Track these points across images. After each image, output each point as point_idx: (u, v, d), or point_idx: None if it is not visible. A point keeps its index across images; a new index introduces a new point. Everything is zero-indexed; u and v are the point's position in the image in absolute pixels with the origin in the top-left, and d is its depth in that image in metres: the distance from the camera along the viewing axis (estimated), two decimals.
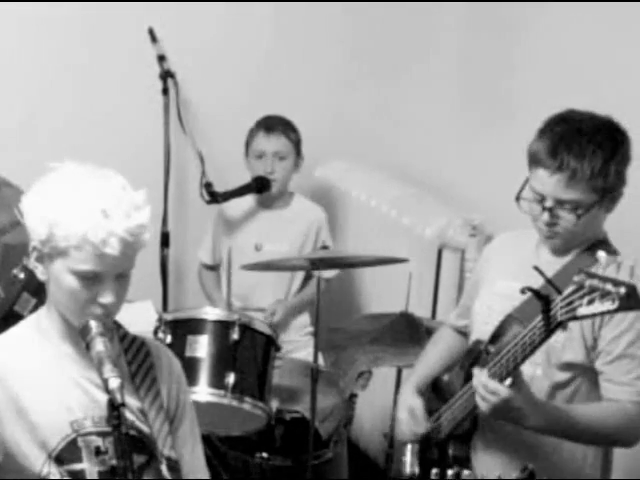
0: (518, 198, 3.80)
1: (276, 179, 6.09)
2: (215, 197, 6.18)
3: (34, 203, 3.19)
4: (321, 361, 5.36)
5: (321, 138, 6.59)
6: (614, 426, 3.77)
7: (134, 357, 3.42)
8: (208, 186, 6.22)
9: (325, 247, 5.95)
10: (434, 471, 3.14)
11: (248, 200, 6.21)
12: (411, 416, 4.23)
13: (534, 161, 3.72)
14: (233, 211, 6.29)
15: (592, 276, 3.18)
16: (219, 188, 6.19)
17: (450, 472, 3.11)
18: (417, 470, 4.21)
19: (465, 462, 4.01)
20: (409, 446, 4.28)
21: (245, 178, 6.13)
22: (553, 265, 3.74)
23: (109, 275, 3.11)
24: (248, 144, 6.19)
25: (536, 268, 3.47)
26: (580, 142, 3.61)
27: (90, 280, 3.09)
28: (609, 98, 5.16)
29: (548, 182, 3.65)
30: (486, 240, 5.27)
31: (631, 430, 3.79)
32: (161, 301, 6.40)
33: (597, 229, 3.86)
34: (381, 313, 5.75)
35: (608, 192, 3.67)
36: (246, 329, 5.19)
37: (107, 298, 3.12)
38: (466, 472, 3.11)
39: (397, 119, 7.00)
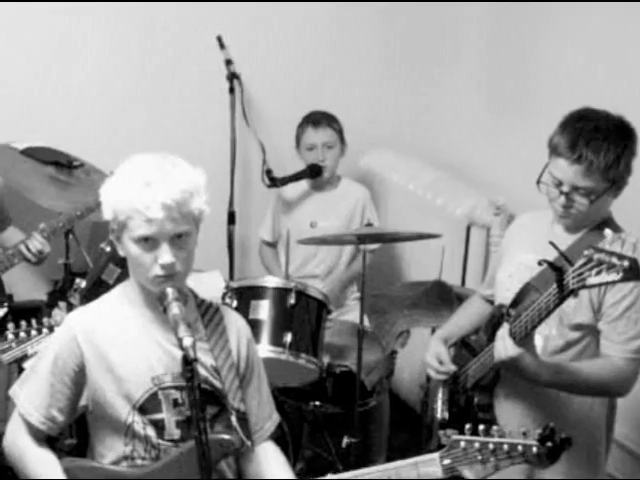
0: (539, 182, 3.86)
1: (327, 165, 6.12)
2: (275, 182, 6.22)
3: (104, 190, 3.28)
4: (366, 322, 5.37)
5: (365, 130, 6.63)
6: (607, 379, 3.85)
7: (209, 321, 3.47)
8: (268, 172, 6.27)
9: (370, 224, 6.01)
10: (467, 426, 3.17)
11: (303, 184, 6.24)
12: (437, 360, 4.29)
13: (555, 151, 3.78)
14: (290, 194, 6.31)
15: (600, 251, 3.23)
16: (278, 174, 6.23)
17: (481, 427, 3.13)
18: (447, 416, 4.30)
19: (488, 408, 4.10)
20: (440, 395, 4.35)
21: (300, 165, 6.17)
22: (566, 240, 3.80)
23: (162, 238, 3.16)
24: (298, 138, 6.22)
25: (551, 243, 3.55)
26: (597, 139, 3.67)
27: (147, 244, 3.16)
28: (619, 96, 5.22)
29: (567, 171, 3.72)
30: (509, 218, 5.29)
31: (622, 382, 3.87)
32: (228, 271, 6.43)
33: (604, 211, 3.90)
34: (418, 281, 5.79)
35: (617, 181, 3.74)
36: (301, 295, 5.25)
37: (164, 258, 3.15)
38: (495, 427, 3.13)
39: (432, 113, 7.01)
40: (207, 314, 3.50)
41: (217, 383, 3.42)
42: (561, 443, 3.05)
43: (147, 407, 3.36)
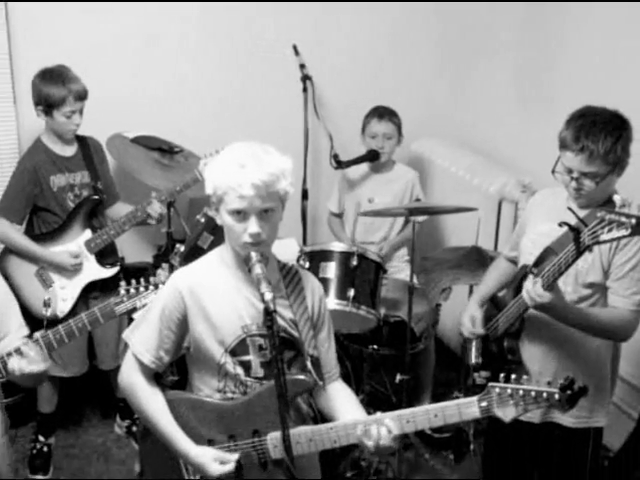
0: (553, 171, 3.90)
1: (385, 152, 6.10)
2: (340, 164, 6.19)
3: (208, 168, 3.30)
4: (415, 280, 5.31)
5: (415, 121, 6.60)
6: (613, 325, 3.92)
7: (289, 282, 3.47)
8: (335, 156, 6.22)
9: (418, 199, 6.07)
10: (501, 375, 3.18)
11: (363, 166, 6.21)
12: (472, 322, 4.35)
13: (563, 145, 3.83)
14: (353, 174, 6.30)
15: (611, 212, 3.31)
16: (343, 158, 6.19)
17: (513, 376, 3.15)
18: (480, 361, 4.34)
19: (515, 352, 4.15)
20: (474, 342, 4.39)
21: (361, 151, 6.15)
22: (579, 213, 3.73)
23: (252, 211, 3.16)
24: (364, 127, 6.18)
25: (569, 208, 3.69)
26: (595, 131, 3.73)
27: (240, 216, 3.17)
28: (632, 93, 5.23)
29: (574, 160, 3.77)
30: (533, 194, 5.27)
31: (625, 329, 3.94)
32: (302, 238, 6.46)
33: (611, 189, 3.90)
34: (458, 247, 5.77)
35: (617, 163, 3.78)
36: (362, 257, 5.29)
37: (252, 228, 3.16)
38: (525, 377, 3.15)
39: (470, 106, 6.97)
40: (288, 276, 3.50)
41: (295, 333, 3.43)
42: (579, 391, 3.06)
43: (237, 350, 3.38)
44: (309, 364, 3.40)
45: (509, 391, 3.11)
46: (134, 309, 3.69)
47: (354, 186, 6.33)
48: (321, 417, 3.55)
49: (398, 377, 5.41)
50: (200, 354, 3.43)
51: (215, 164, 3.27)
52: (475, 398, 3.16)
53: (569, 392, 3.05)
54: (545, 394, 3.07)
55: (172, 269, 4.96)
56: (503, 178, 6.11)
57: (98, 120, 5.49)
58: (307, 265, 5.25)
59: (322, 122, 6.55)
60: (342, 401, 3.52)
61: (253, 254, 3.19)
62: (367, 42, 6.77)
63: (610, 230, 3.35)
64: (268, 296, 3.05)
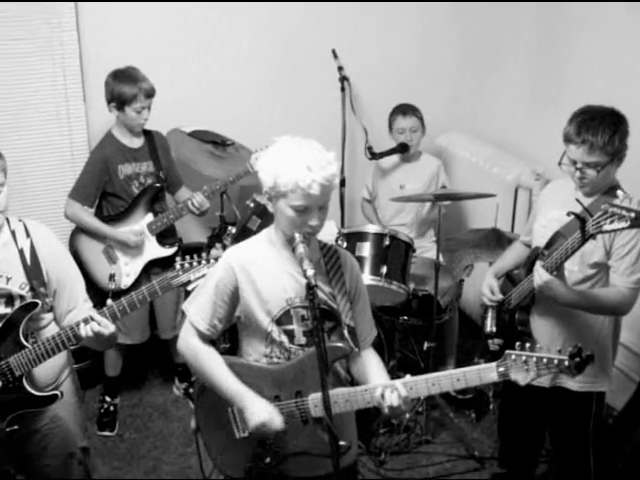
0: (560, 163, 3.97)
1: (412, 144, 6.10)
2: (374, 155, 6.21)
3: (265, 163, 3.28)
4: (441, 258, 5.37)
5: (440, 117, 6.59)
6: (615, 302, 3.97)
7: (329, 260, 3.48)
8: (369, 149, 6.24)
9: (444, 187, 6.10)
10: (517, 344, 3.20)
11: (394, 157, 6.21)
12: (490, 290, 4.39)
13: (567, 139, 3.90)
14: (385, 164, 6.29)
15: (613, 206, 3.41)
16: (376, 150, 6.22)
17: (527, 345, 3.16)
18: (494, 329, 4.40)
19: (526, 324, 4.23)
20: (490, 312, 4.44)
21: (392, 143, 6.16)
22: (585, 202, 3.80)
23: (314, 207, 3.21)
24: (391, 124, 6.18)
25: (577, 200, 3.73)
26: (594, 125, 3.80)
27: (302, 211, 3.20)
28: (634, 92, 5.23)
29: (576, 152, 3.85)
30: (546, 183, 5.24)
31: (623, 304, 3.99)
32: (340, 221, 6.47)
33: (611, 178, 3.98)
34: (479, 228, 5.73)
35: (615, 154, 3.84)
36: (393, 238, 5.33)
37: (314, 222, 3.22)
38: (538, 345, 3.17)
39: (490, 103, 6.94)
40: (327, 254, 3.51)
41: (333, 305, 3.44)
42: (586, 359, 3.07)
43: (282, 320, 3.41)
44: (346, 333, 3.41)
45: (524, 358, 3.12)
46: (188, 282, 3.71)
47: (386, 175, 6.31)
48: (355, 382, 3.55)
49: (426, 345, 5.45)
50: (249, 323, 3.46)
51: (276, 160, 3.26)
52: (494, 364, 3.17)
53: (577, 359, 3.06)
54: (556, 361, 3.08)
55: (224, 248, 4.95)
56: (519, 168, 6.11)
57: (159, 115, 5.51)
58: (344, 245, 5.26)
59: (358, 118, 6.57)
60: (372, 367, 3.52)
61: (297, 235, 3.24)
62: (397, 46, 6.73)
63: (612, 222, 3.45)
64: (310, 272, 3.08)
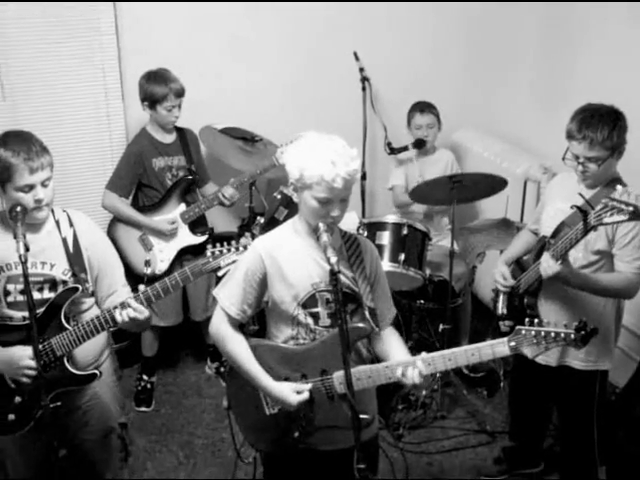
0: (564, 158, 3.99)
1: (429, 140, 6.12)
2: (393, 150, 6.20)
3: (292, 157, 3.30)
4: (455, 246, 5.35)
5: (455, 114, 6.56)
6: (618, 286, 4.02)
7: (350, 247, 3.50)
8: (389, 144, 6.24)
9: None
10: (527, 320, 3.22)
11: (412, 151, 6.18)
12: (502, 277, 4.40)
13: (569, 136, 3.94)
14: (404, 157, 6.29)
15: (613, 200, 3.48)
16: (395, 145, 6.22)
17: (536, 321, 3.18)
18: (505, 311, 4.44)
19: (534, 307, 4.28)
20: (501, 296, 4.46)
21: (409, 139, 6.17)
22: (588, 193, 3.90)
23: (337, 199, 3.24)
24: (409, 120, 6.19)
25: (580, 194, 3.77)
26: (594, 122, 3.84)
27: (325, 203, 3.22)
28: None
29: (578, 147, 3.89)
30: (552, 176, 5.25)
31: (628, 289, 4.04)
32: (361, 212, 6.44)
33: (612, 171, 4.01)
34: (490, 219, 5.74)
35: (615, 149, 3.88)
36: (411, 227, 5.34)
37: (335, 212, 3.26)
38: (545, 321, 3.20)
39: (501, 101, 6.92)
40: (348, 242, 3.52)
41: (355, 288, 3.45)
42: (590, 332, 3.09)
43: (307, 303, 3.43)
44: (367, 314, 3.42)
45: (533, 332, 3.15)
46: (219, 268, 3.71)
47: (405, 167, 6.31)
48: (377, 359, 3.56)
49: (441, 327, 5.45)
50: (277, 307, 3.48)
51: (303, 155, 3.28)
52: (505, 339, 3.21)
53: (582, 332, 3.09)
54: (563, 334, 3.12)
55: (253, 237, 4.96)
56: (527, 162, 6.12)
57: (192, 113, 5.58)
58: (365, 234, 5.27)
59: (378, 115, 6.52)
60: (393, 344, 3.56)
61: (321, 225, 3.27)
62: (415, 49, 6.72)
63: (612, 215, 3.49)
64: (333, 259, 3.11)
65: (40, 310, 3.67)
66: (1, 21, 5.58)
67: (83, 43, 5.78)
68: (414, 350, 5.48)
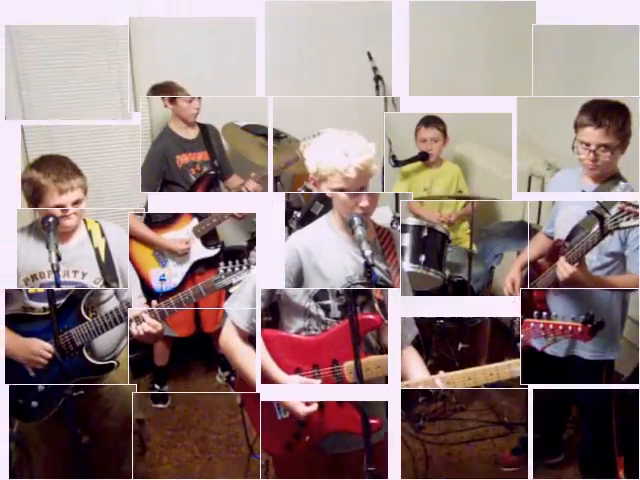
0: (573, 147, 4.08)
1: (433, 153, 6.15)
2: (397, 163, 6.22)
3: (310, 151, 3.43)
4: (474, 248, 5.47)
5: (458, 128, 6.54)
6: (631, 288, 4.07)
7: (384, 240, 3.59)
8: (393, 157, 6.23)
9: (460, 191, 6.18)
10: (535, 312, 3.30)
11: (418, 164, 6.23)
12: (511, 284, 4.43)
13: (582, 125, 4.01)
14: (409, 169, 6.29)
15: (629, 204, 3.61)
16: (399, 158, 6.22)
17: (544, 314, 3.27)
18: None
19: (543, 300, 4.29)
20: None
21: (413, 152, 6.20)
22: (590, 188, 4.05)
23: (352, 189, 3.34)
24: (415, 133, 6.22)
25: (598, 202, 3.83)
26: (610, 110, 3.94)
27: (353, 195, 3.35)
28: None
29: (593, 134, 3.96)
30: (555, 171, 5.42)
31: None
32: (394, 206, 6.30)
33: (616, 166, 4.07)
34: (508, 221, 5.89)
35: (624, 139, 3.96)
36: (430, 230, 5.43)
37: (364, 203, 3.37)
38: (554, 314, 3.28)
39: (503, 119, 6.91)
40: (382, 235, 3.61)
41: (389, 281, 3.55)
42: (597, 324, 3.22)
43: (319, 296, 3.51)
44: (377, 307, 3.50)
45: (542, 325, 3.28)
46: (230, 285, 3.83)
47: (410, 179, 6.32)
48: (385, 350, 3.64)
49: (460, 346, 5.61)
50: (289, 300, 3.56)
51: (319, 148, 3.41)
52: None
53: (590, 325, 3.22)
54: (570, 327, 3.26)
55: (290, 232, 5.20)
56: (532, 159, 6.13)
57: (216, 112, 5.75)
58: (399, 228, 5.43)
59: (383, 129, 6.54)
60: (412, 364, 3.66)
61: (355, 219, 3.37)
62: (430, 56, 6.61)
63: (628, 219, 3.65)
64: (368, 252, 3.26)
65: (60, 301, 3.84)
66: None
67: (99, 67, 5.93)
68: (434, 369, 5.56)
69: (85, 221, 4.00)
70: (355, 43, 6.46)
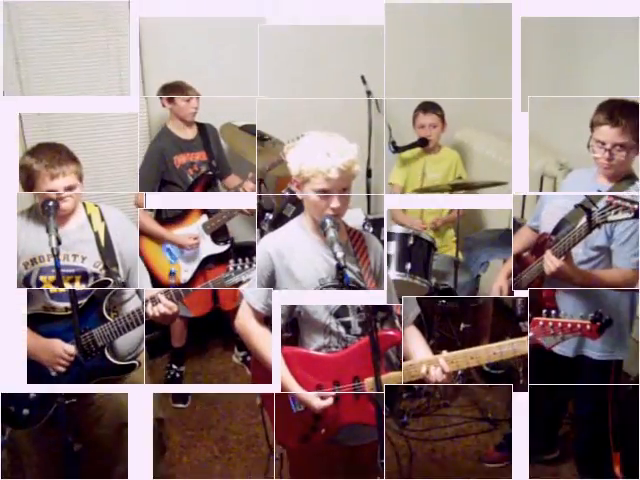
0: (588, 146, 4.09)
1: (432, 139, 6.23)
2: (397, 149, 6.31)
3: (292, 154, 3.51)
4: (460, 256, 5.56)
5: (458, 114, 6.62)
6: (616, 281, 4.09)
7: (355, 242, 3.66)
8: (393, 143, 6.33)
9: (459, 178, 6.21)
10: (544, 311, 3.41)
11: (418, 150, 6.32)
12: (499, 292, 4.52)
13: (598, 123, 4.01)
14: (408, 156, 6.40)
15: (617, 198, 3.65)
16: (400, 144, 6.34)
17: (553, 312, 3.38)
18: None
19: (552, 298, 4.27)
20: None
21: (413, 138, 6.32)
22: (606, 188, 4.06)
23: (334, 190, 3.40)
24: (414, 119, 6.30)
25: (586, 195, 3.90)
26: (627, 110, 3.95)
27: (324, 196, 3.41)
28: None
29: (609, 133, 3.97)
30: (568, 171, 5.52)
31: (628, 285, 4.10)
32: (366, 208, 6.54)
33: (629, 165, 4.11)
34: (494, 229, 5.97)
35: (638, 141, 3.98)
36: (416, 238, 5.45)
37: (335, 204, 3.41)
38: (562, 312, 3.37)
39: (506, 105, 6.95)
40: (354, 237, 3.68)
41: (361, 283, 3.59)
42: (606, 323, 3.30)
43: (339, 313, 3.60)
44: (397, 323, 3.62)
45: (550, 323, 3.35)
46: (240, 282, 3.93)
47: (409, 166, 6.40)
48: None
49: (462, 326, 5.74)
50: (309, 317, 3.65)
51: (301, 151, 3.47)
52: (526, 337, 3.40)
53: (598, 323, 3.28)
54: (579, 325, 3.32)
55: (262, 234, 5.24)
56: (544, 158, 6.13)
57: (215, 112, 5.82)
58: (371, 230, 5.43)
59: (382, 115, 6.53)
60: (415, 342, 3.74)
61: (328, 221, 3.42)
62: (422, 61, 6.90)
63: (616, 212, 3.64)
64: (340, 254, 3.30)
65: (82, 301, 3.91)
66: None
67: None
68: (436, 348, 5.67)
69: (85, 205, 4.04)
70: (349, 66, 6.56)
